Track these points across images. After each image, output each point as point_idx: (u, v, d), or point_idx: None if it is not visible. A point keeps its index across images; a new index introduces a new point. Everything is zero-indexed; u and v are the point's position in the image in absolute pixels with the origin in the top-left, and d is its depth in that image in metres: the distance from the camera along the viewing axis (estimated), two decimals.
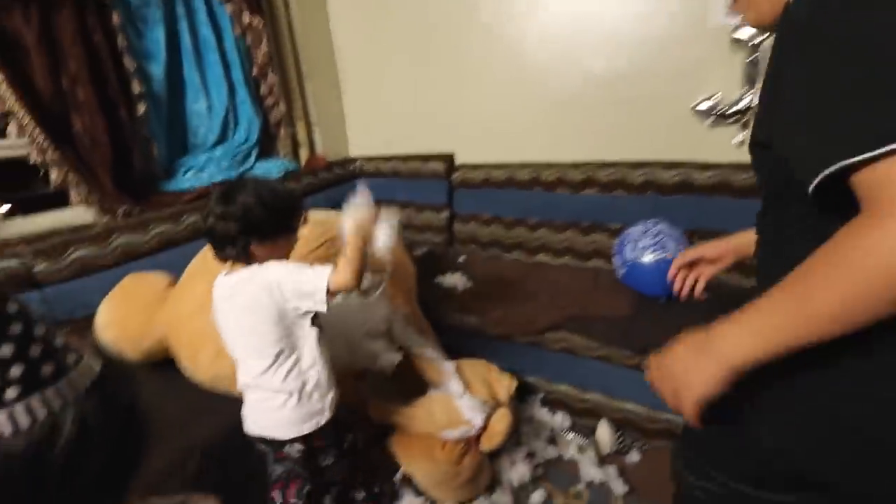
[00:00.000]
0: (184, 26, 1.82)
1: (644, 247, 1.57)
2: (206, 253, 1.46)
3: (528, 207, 2.09)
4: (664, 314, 1.49)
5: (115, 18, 1.59)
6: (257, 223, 0.89)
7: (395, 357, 1.42)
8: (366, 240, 0.97)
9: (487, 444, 1.39)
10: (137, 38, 1.71)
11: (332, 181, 2.35)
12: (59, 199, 1.62)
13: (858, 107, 0.41)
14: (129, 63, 1.64)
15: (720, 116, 1.72)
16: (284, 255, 0.97)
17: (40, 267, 1.32)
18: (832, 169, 0.42)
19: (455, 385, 1.42)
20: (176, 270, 1.57)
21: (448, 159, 2.30)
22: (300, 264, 0.93)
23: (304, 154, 2.41)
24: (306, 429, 0.98)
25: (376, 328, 1.44)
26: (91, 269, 1.41)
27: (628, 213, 1.84)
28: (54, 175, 1.48)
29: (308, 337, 0.97)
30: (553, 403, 1.68)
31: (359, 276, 0.91)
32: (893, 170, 0.39)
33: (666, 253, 1.53)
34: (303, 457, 1.00)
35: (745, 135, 1.72)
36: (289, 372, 0.95)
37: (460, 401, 1.38)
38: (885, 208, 0.40)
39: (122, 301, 1.36)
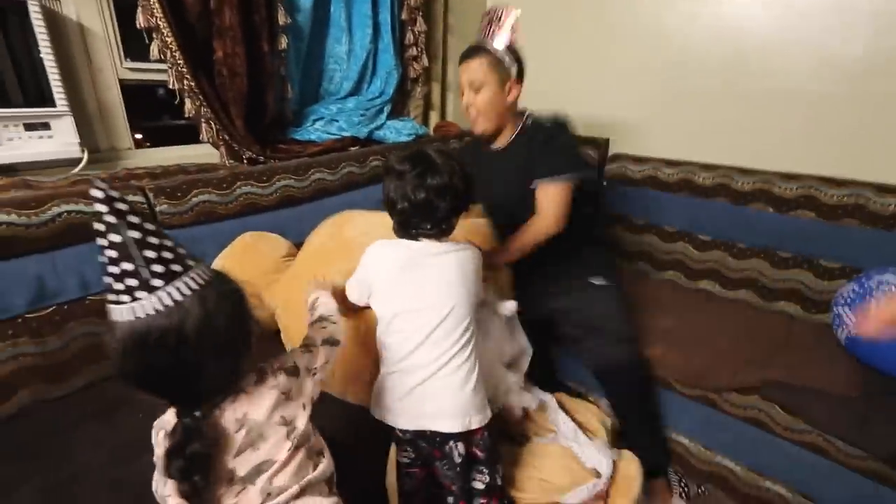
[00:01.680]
0: None
1: None
2: (334, 232, 1.26)
3: (703, 220, 1.66)
4: None
5: None
6: (463, 196, 0.87)
7: (535, 400, 1.12)
8: None
9: (625, 496, 1.07)
10: None
11: None
12: (189, 133, 1.49)
13: None
14: None
15: None
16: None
17: (162, 207, 1.17)
18: None
19: (567, 426, 1.11)
20: (293, 230, 1.39)
21: (602, 145, 1.91)
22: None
23: (433, 119, 2.14)
24: (475, 422, 0.86)
25: (514, 361, 1.15)
26: (211, 216, 1.26)
27: (859, 252, 1.38)
28: (188, 105, 1.33)
29: (482, 322, 0.96)
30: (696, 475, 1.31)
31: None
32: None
33: None
34: (462, 462, 0.87)
35: None
36: (471, 353, 0.88)
37: (578, 446, 1.09)
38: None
39: (238, 263, 1.18)
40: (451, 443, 0.86)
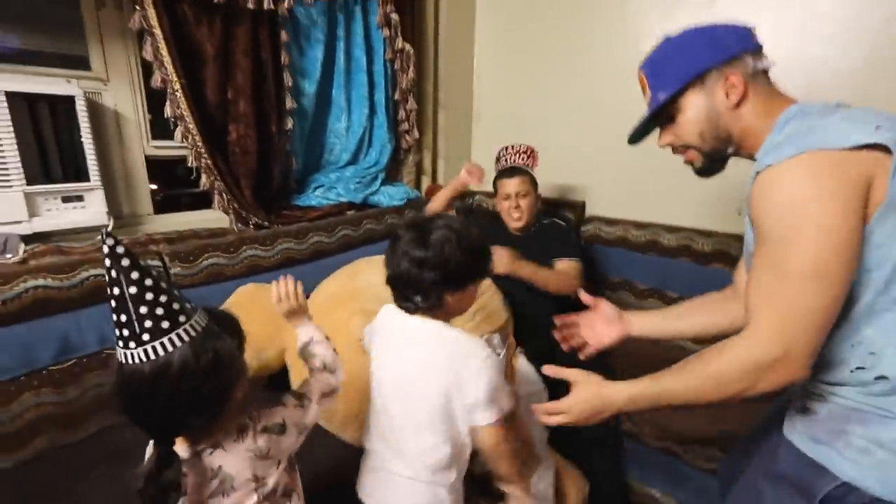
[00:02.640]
0: (340, 47, 1.85)
1: None
2: (345, 278, 1.41)
3: (669, 278, 1.80)
4: None
5: (284, 36, 1.64)
6: (455, 269, 0.80)
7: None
8: None
9: None
10: (298, 56, 1.76)
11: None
12: (204, 199, 1.68)
13: None
14: (287, 79, 1.68)
15: None
16: (471, 303, 0.88)
17: (176, 269, 1.33)
18: None
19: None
20: None
21: (579, 208, 2.09)
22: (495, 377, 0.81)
23: (425, 182, 2.35)
24: None
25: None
26: (219, 277, 1.41)
27: None
28: (204, 179, 1.52)
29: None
30: None
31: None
32: None
33: None
34: None
35: None
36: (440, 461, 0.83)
37: None
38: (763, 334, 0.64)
39: (245, 311, 1.30)
40: None
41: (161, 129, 1.59)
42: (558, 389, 1.12)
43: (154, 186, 1.70)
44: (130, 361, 0.56)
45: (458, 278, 0.82)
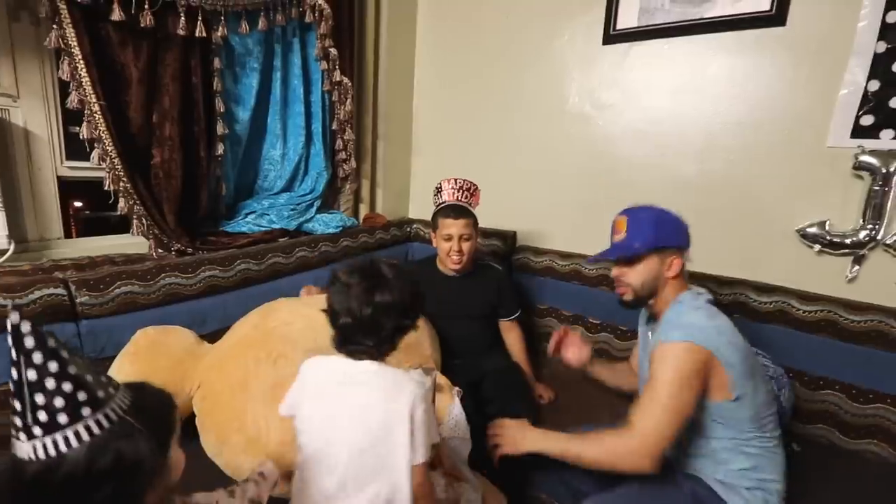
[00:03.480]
0: (277, 76, 1.86)
1: None
2: (258, 319, 1.38)
3: (591, 306, 1.91)
4: None
5: (217, 63, 1.63)
6: (410, 313, 0.85)
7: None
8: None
9: None
10: (232, 83, 1.75)
11: (388, 242, 2.27)
12: (123, 223, 1.60)
13: None
14: (219, 105, 1.67)
15: (828, 245, 1.54)
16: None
17: (83, 298, 1.25)
18: None
19: None
20: (215, 317, 1.49)
21: (510, 238, 2.19)
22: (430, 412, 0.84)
23: (363, 211, 2.37)
24: None
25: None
26: (132, 306, 1.34)
27: None
28: (121, 203, 1.46)
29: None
30: None
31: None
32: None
33: None
34: None
35: (857, 270, 1.51)
36: None
37: None
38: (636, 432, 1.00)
39: (147, 360, 1.22)
40: None
41: (80, 147, 1.51)
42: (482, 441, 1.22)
43: (80, 205, 1.60)
44: (20, 456, 0.49)
45: (413, 320, 0.87)
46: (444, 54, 2.39)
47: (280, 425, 1.08)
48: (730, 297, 1.62)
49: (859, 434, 1.42)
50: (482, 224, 1.80)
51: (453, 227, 1.65)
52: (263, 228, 1.83)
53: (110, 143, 1.39)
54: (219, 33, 1.57)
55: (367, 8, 2.14)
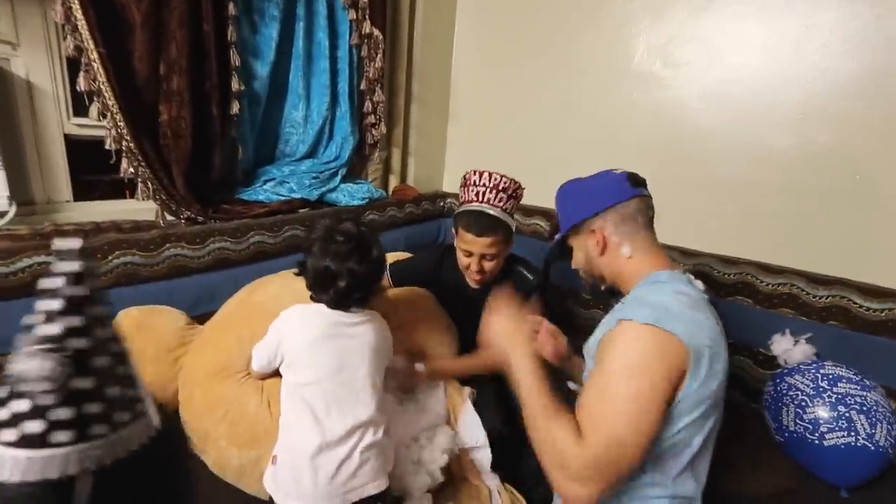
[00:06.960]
0: (300, 27, 1.67)
1: (822, 420, 1.11)
2: (245, 295, 1.24)
3: None
4: None
5: (231, 9, 1.45)
6: (384, 267, 1.03)
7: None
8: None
9: None
10: (250, 33, 1.57)
11: (419, 217, 2.08)
12: (130, 186, 1.48)
13: None
14: (234, 58, 1.49)
15: None
16: None
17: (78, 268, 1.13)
18: None
19: None
20: (225, 293, 1.35)
21: (555, 217, 1.94)
22: None
23: (392, 182, 2.17)
24: (384, 484, 0.92)
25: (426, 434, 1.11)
26: (133, 279, 1.22)
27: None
28: (125, 164, 1.33)
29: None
30: None
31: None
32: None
33: (854, 437, 1.07)
34: None
35: None
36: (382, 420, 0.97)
37: None
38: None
39: (135, 345, 1.11)
40: None
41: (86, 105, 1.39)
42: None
43: (77, 174, 1.50)
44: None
45: (383, 272, 1.09)
46: (490, 4, 2.11)
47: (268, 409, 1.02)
48: (826, 299, 1.33)
49: None
50: (525, 202, 1.48)
51: (474, 245, 1.26)
52: (282, 198, 1.67)
53: (111, 97, 1.25)
54: None
55: None
